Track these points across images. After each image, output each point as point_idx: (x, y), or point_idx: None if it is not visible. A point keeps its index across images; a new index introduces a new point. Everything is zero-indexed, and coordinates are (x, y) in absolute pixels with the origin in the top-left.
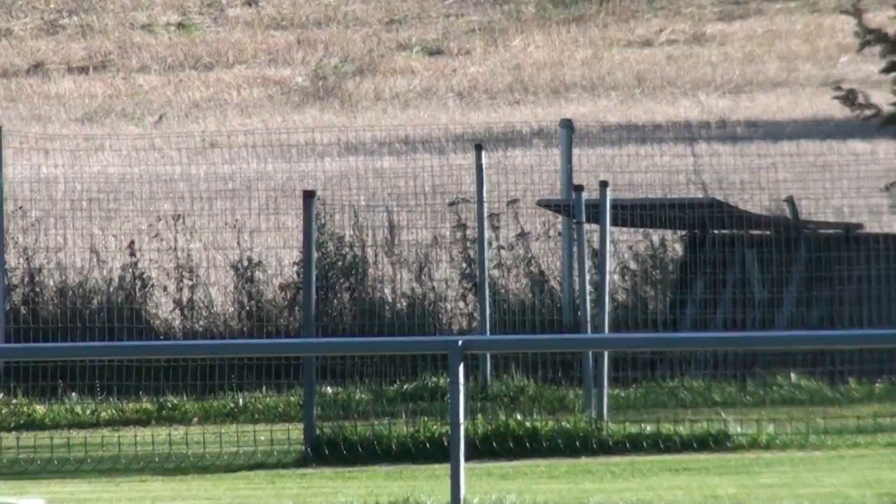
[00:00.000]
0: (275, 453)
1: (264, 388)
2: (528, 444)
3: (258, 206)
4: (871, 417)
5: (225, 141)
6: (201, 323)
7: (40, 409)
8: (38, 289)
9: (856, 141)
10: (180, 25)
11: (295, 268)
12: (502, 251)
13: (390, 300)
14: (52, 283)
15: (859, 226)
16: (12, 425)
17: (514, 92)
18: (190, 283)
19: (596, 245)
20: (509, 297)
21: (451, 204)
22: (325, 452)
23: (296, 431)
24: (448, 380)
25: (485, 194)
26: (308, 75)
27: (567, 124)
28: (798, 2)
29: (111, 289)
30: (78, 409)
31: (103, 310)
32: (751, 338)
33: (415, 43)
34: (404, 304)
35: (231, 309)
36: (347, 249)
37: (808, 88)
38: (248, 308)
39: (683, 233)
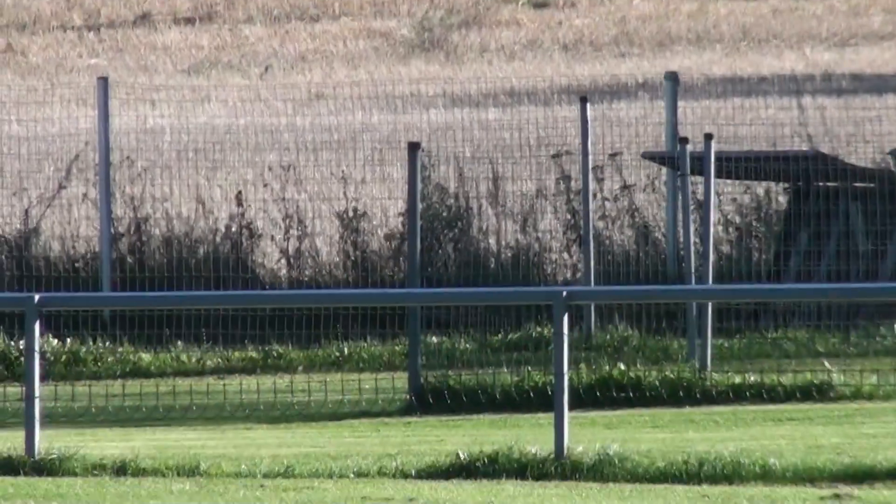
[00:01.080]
0: (379, 402)
1: (369, 337)
2: (631, 394)
3: (363, 157)
4: None
5: (331, 92)
6: (307, 272)
7: (146, 357)
8: (144, 238)
9: None
10: None
11: (400, 219)
12: (606, 203)
13: (495, 251)
14: (158, 232)
15: None
16: (118, 373)
17: (619, 44)
18: (297, 233)
19: (700, 197)
20: (613, 248)
21: (555, 156)
22: (429, 401)
23: (400, 380)
24: (552, 330)
25: (589, 146)
26: (414, 27)
27: (672, 77)
28: None
29: (217, 238)
30: (183, 357)
31: (209, 259)
32: (854, 289)
33: None
34: (509, 254)
35: (337, 259)
36: (452, 201)
37: None
38: (353, 258)
39: (787, 185)
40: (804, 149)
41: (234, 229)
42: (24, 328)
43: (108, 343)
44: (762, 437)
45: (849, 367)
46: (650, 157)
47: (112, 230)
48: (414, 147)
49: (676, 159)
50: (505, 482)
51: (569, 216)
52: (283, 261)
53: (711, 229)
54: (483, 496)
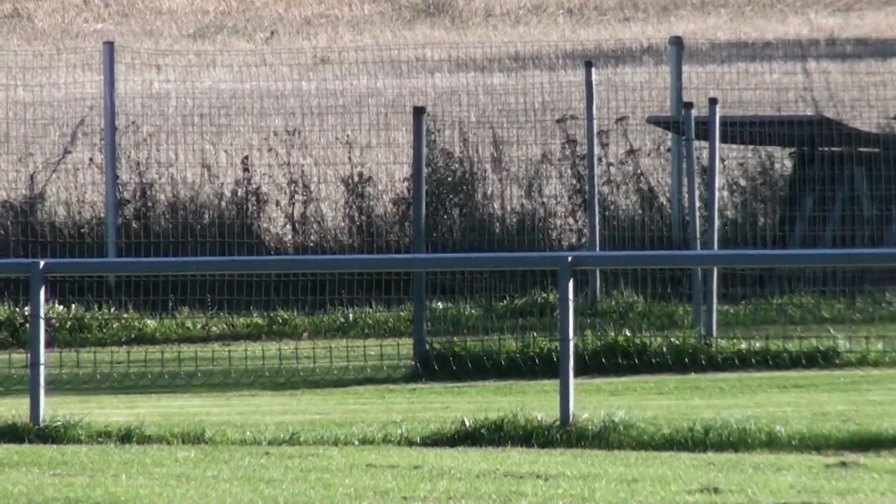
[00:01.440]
0: (384, 368)
1: (374, 303)
2: (636, 360)
3: (369, 122)
4: None
5: (336, 57)
6: (312, 238)
7: (151, 323)
8: (149, 203)
9: None
10: None
11: (405, 183)
12: (612, 168)
13: (500, 216)
14: (163, 197)
15: None
16: (123, 340)
17: (623, 9)
18: (302, 198)
19: (705, 162)
20: (618, 213)
21: (560, 121)
22: (434, 367)
23: (405, 346)
24: (557, 296)
25: (594, 111)
26: None
27: (677, 41)
28: None
29: (223, 204)
30: (188, 323)
31: (214, 224)
32: (860, 254)
33: None
34: (514, 219)
35: (342, 224)
36: (457, 165)
37: None
38: (358, 223)
39: (792, 150)
40: (809, 113)
41: (239, 194)
42: (29, 294)
43: (113, 309)
44: (768, 404)
45: (854, 334)
46: (655, 121)
47: (117, 195)
48: (419, 112)
49: (681, 124)
50: (510, 449)
51: (574, 181)
52: (289, 226)
53: (716, 194)
54: (488, 463)
